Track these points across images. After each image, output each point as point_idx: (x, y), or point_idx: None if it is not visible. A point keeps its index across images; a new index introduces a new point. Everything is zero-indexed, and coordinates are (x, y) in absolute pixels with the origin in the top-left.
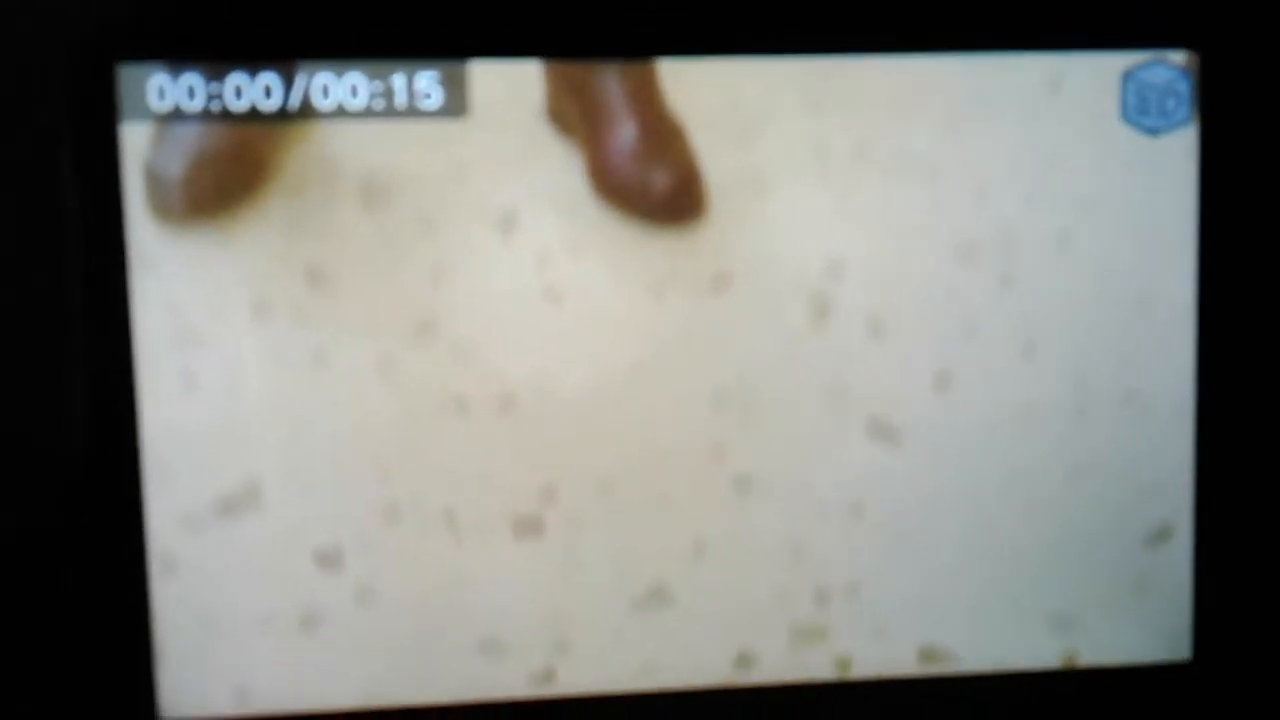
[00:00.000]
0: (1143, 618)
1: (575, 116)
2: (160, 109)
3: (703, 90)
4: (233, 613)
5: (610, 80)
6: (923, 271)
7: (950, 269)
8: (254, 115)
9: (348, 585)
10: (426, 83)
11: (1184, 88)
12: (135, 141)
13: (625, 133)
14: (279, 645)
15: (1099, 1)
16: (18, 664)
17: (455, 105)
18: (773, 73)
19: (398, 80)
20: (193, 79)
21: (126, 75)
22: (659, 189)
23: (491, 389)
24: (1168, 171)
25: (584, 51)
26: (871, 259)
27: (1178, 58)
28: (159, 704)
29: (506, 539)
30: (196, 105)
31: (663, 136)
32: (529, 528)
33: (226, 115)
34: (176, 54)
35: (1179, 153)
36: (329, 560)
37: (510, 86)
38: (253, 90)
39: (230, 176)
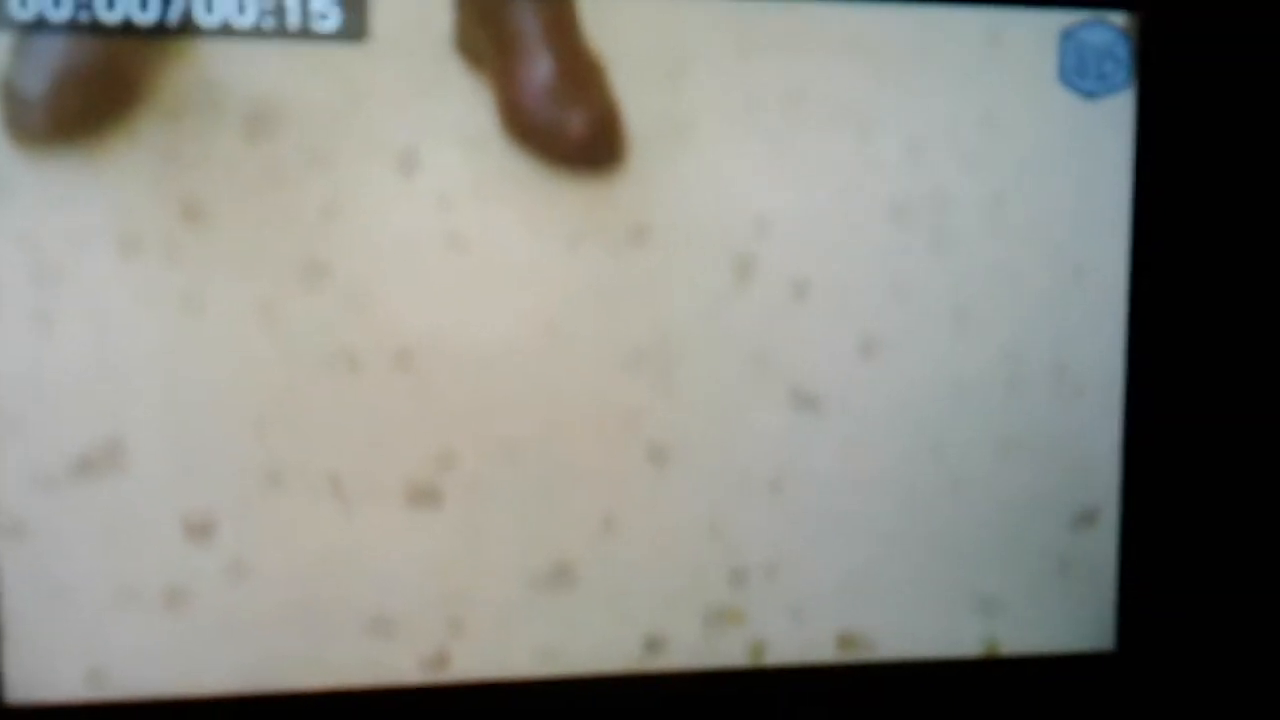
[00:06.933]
0: (1067, 604)
1: (486, 47)
2: (21, 17)
3: (626, 26)
4: (88, 586)
5: (526, 9)
6: (851, 231)
7: (880, 229)
8: (128, 29)
9: (219, 558)
10: (323, 1)
11: (1123, 51)
12: None
13: (540, 68)
14: (140, 623)
15: None
16: None
17: (354, 28)
18: (703, 11)
19: None
20: None
21: None
22: (575, 131)
23: (386, 343)
24: (1104, 137)
25: None
26: (799, 216)
27: (1118, 19)
28: (2, 686)
29: (399, 509)
30: (63, 14)
31: (581, 74)
32: (424, 497)
33: (97, 27)
34: None
35: (1116, 118)
36: (199, 529)
37: (416, 10)
38: (127, 1)
39: (99, 97)
